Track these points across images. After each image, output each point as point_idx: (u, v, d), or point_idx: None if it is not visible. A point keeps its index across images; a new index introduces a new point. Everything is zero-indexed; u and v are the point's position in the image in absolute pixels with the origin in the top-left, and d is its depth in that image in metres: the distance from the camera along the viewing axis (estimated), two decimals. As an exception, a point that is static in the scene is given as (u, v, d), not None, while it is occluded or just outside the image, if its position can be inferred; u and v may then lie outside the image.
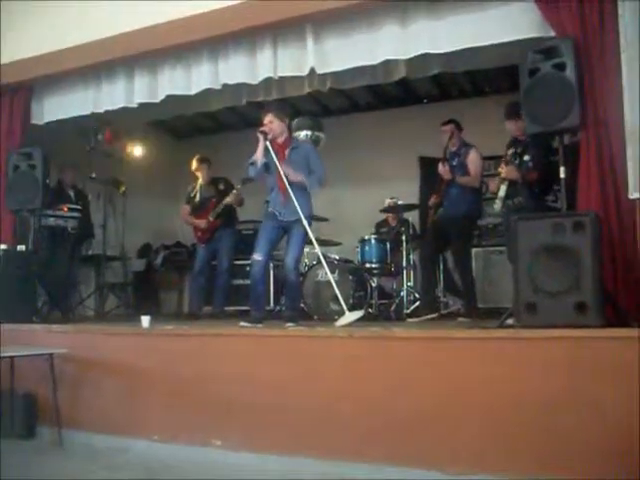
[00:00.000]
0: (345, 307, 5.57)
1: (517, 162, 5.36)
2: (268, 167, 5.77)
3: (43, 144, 6.57)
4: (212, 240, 7.52)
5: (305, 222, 5.62)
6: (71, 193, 7.77)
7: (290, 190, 5.60)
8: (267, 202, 6.01)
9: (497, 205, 5.46)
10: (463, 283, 6.52)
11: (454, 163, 6.46)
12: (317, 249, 5.99)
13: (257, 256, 5.70)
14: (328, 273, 5.97)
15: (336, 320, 5.45)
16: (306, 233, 5.71)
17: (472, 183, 6.41)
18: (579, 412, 3.62)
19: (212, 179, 7.67)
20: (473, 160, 6.40)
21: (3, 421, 5.13)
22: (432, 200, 6.72)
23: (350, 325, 5.16)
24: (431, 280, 6.69)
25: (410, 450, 4.02)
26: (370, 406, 4.19)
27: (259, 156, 5.71)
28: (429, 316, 6.24)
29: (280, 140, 5.86)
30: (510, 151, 5.46)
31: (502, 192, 5.40)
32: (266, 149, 5.69)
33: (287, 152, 5.82)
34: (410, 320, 6.33)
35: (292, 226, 5.74)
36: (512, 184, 5.37)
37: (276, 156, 5.67)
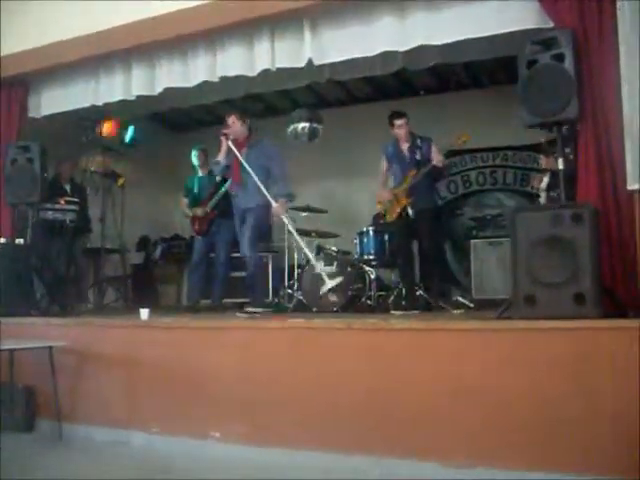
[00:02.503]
0: (326, 277, 6.17)
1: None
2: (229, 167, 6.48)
3: (41, 137, 6.57)
4: (209, 232, 7.51)
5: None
6: (67, 187, 7.76)
7: (254, 177, 6.08)
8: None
9: (542, 198, 5.50)
10: (436, 274, 6.55)
11: (417, 157, 6.44)
12: (301, 242, 6.40)
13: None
14: (308, 253, 6.46)
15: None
16: (259, 222, 6.34)
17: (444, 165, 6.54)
18: (578, 403, 3.64)
19: (210, 171, 7.66)
20: (436, 150, 6.42)
21: (3, 414, 5.13)
22: (386, 196, 6.58)
23: (334, 289, 5.80)
24: (413, 275, 6.66)
25: (410, 442, 4.03)
26: (370, 398, 4.20)
27: (222, 156, 6.44)
28: (411, 312, 6.04)
29: (240, 139, 6.45)
30: (545, 140, 5.45)
31: (544, 184, 5.46)
32: (229, 148, 6.30)
33: (244, 150, 6.42)
34: (393, 312, 6.22)
35: (246, 213, 6.36)
36: (553, 176, 5.37)
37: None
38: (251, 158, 6.33)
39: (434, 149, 6.42)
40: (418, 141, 6.46)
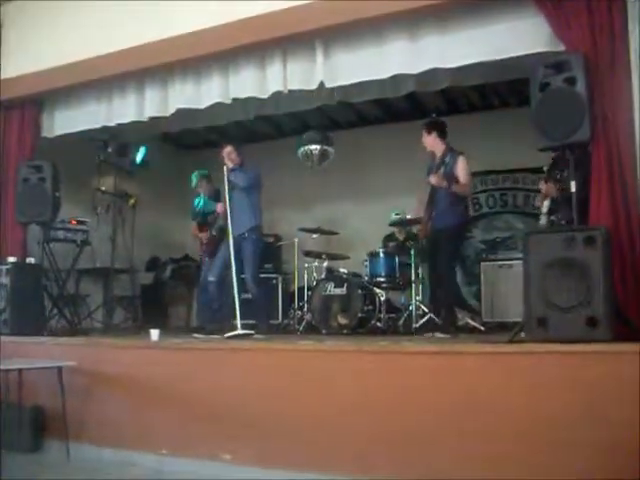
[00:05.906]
0: (239, 324, 5.81)
1: (559, 177, 5.27)
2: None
3: (53, 157, 6.60)
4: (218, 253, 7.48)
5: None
6: None
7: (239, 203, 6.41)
8: None
9: (542, 220, 5.46)
10: (446, 297, 6.23)
11: (442, 172, 6.11)
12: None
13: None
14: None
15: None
16: (256, 248, 6.45)
17: (466, 191, 6.28)
18: (589, 427, 3.60)
19: (215, 192, 7.61)
20: (462, 168, 6.11)
21: (11, 434, 5.11)
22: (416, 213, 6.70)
23: (239, 337, 5.52)
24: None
25: (420, 464, 3.99)
26: (380, 421, 4.16)
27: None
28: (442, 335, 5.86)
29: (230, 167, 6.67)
30: (546, 167, 5.41)
31: (545, 208, 5.43)
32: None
33: (231, 175, 6.56)
34: (426, 335, 6.11)
35: (241, 242, 6.42)
36: (555, 200, 5.34)
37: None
38: (232, 182, 6.51)
39: (459, 164, 6.11)
40: (448, 155, 6.18)
